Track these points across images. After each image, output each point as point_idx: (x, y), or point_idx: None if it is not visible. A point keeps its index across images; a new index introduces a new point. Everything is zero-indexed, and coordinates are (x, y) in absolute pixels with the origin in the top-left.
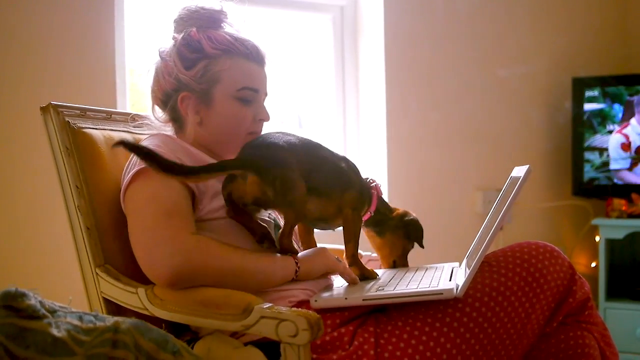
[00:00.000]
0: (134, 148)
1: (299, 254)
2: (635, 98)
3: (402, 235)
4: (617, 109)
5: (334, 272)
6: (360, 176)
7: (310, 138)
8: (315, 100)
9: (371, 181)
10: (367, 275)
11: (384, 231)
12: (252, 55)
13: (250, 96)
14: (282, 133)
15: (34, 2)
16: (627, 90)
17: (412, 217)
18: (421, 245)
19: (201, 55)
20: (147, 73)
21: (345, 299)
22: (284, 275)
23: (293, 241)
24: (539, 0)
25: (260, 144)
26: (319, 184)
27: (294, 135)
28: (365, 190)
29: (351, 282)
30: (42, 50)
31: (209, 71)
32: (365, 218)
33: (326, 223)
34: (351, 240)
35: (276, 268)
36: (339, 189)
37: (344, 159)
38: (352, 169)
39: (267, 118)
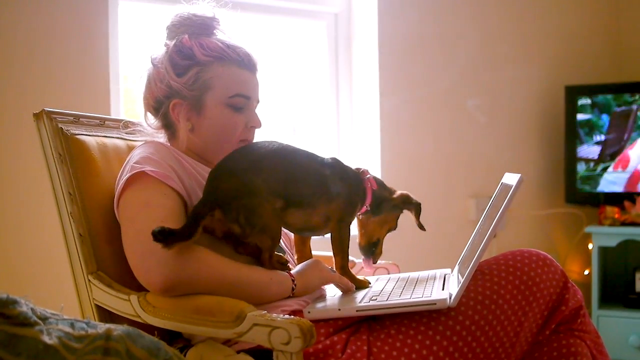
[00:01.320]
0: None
1: (294, 270)
2: None
3: (396, 217)
4: (605, 119)
5: (329, 284)
6: (349, 180)
7: (288, 144)
8: (310, 106)
9: (364, 172)
10: (359, 285)
11: (381, 211)
12: (244, 62)
13: (242, 103)
14: (250, 146)
15: (28, 8)
16: (615, 100)
17: (415, 201)
18: (420, 225)
19: (193, 62)
20: (140, 80)
21: (339, 309)
22: (280, 291)
23: (287, 251)
24: (531, 8)
25: (222, 171)
26: (298, 194)
27: (267, 145)
28: (354, 195)
29: (346, 291)
30: (36, 56)
31: (200, 78)
32: (362, 211)
33: (313, 232)
34: (340, 253)
35: (272, 283)
36: (322, 199)
37: (330, 164)
38: (339, 174)
39: (258, 125)
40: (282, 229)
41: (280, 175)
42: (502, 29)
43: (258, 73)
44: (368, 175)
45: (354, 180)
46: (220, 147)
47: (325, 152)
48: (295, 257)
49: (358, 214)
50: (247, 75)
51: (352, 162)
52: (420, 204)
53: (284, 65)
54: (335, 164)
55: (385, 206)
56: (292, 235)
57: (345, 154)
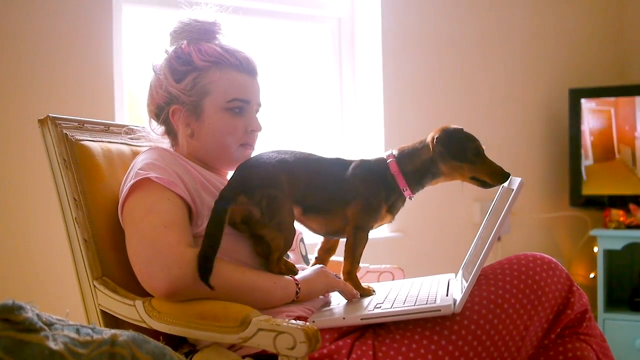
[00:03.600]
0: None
1: (299, 275)
2: None
3: (455, 166)
4: None
5: (334, 291)
6: (370, 181)
7: (308, 152)
8: (314, 109)
9: (386, 158)
10: (363, 293)
11: (438, 169)
12: (242, 67)
13: (241, 107)
14: (277, 151)
15: (32, 14)
16: None
17: (440, 135)
18: (470, 159)
19: (191, 68)
20: (145, 86)
21: (344, 318)
22: (284, 296)
23: (291, 256)
24: (536, 11)
25: (252, 163)
26: (317, 200)
27: (289, 152)
28: (373, 197)
29: (351, 299)
30: (40, 62)
31: (198, 83)
32: (407, 195)
33: (339, 235)
34: (349, 258)
35: (276, 288)
36: (341, 202)
37: (353, 166)
38: (360, 176)
39: (259, 129)
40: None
41: (301, 183)
42: (506, 32)
43: (258, 77)
44: (389, 160)
45: (377, 177)
46: (220, 152)
47: (330, 153)
48: (319, 246)
49: (407, 199)
50: (246, 80)
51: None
52: (447, 134)
53: (289, 68)
54: (359, 165)
55: (433, 167)
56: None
57: (349, 156)
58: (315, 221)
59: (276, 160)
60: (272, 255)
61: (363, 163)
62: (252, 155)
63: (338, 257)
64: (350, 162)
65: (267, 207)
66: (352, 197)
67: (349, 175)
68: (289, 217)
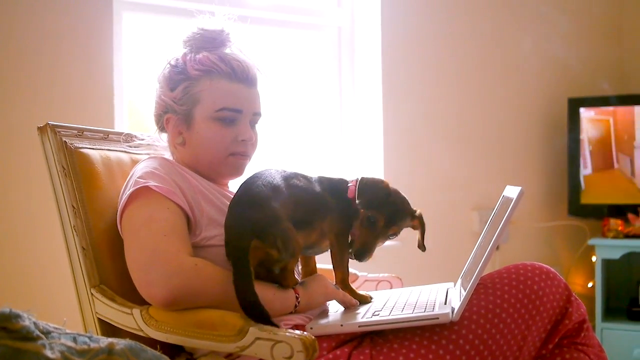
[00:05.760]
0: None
1: (298, 285)
2: None
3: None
4: None
5: (332, 300)
6: (337, 193)
7: (285, 169)
8: (315, 116)
9: (351, 183)
10: (361, 300)
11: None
12: (235, 75)
13: (231, 116)
14: (263, 174)
15: (32, 20)
16: None
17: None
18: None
19: (184, 77)
20: (145, 94)
21: (341, 325)
22: (283, 308)
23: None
24: (535, 20)
25: (253, 201)
26: (302, 216)
27: (274, 173)
28: (346, 208)
29: (349, 307)
30: (40, 69)
31: (188, 92)
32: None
33: (312, 249)
34: (339, 267)
35: (275, 299)
36: (318, 216)
37: (319, 180)
38: (328, 190)
39: (249, 138)
40: None
41: (290, 202)
42: (505, 41)
43: (257, 86)
44: (349, 185)
45: (341, 193)
46: (210, 161)
47: (329, 161)
48: (301, 272)
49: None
50: (238, 89)
51: (355, 172)
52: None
53: (289, 76)
54: (323, 180)
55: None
56: None
57: (348, 165)
58: (300, 236)
59: (268, 190)
60: (286, 274)
61: (324, 179)
62: (249, 175)
63: (326, 265)
64: (312, 176)
65: (283, 244)
66: (327, 210)
67: (321, 191)
68: (299, 241)
